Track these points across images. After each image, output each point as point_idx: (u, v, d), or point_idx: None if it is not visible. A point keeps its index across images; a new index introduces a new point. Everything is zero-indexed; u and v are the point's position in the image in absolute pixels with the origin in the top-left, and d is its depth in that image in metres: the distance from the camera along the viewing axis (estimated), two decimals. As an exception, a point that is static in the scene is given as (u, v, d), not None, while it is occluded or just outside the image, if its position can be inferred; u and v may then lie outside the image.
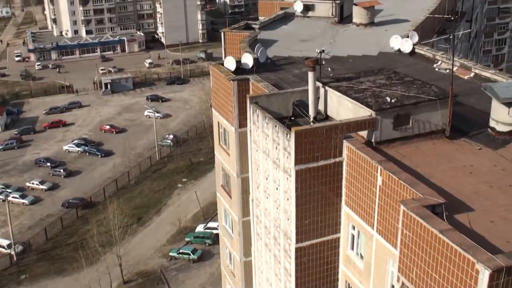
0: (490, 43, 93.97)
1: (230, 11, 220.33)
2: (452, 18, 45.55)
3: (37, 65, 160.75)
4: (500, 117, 20.79)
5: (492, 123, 21.20)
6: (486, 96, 21.65)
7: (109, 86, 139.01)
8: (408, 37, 32.97)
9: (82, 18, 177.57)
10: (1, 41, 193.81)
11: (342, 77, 23.86)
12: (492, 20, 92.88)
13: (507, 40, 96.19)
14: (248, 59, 29.09)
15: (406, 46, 32.62)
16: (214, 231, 73.59)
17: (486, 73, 27.87)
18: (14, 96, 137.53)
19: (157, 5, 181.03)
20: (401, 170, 17.70)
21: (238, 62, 29.05)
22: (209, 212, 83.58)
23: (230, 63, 29.11)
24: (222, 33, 37.49)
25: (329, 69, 29.03)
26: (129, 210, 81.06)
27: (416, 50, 32.71)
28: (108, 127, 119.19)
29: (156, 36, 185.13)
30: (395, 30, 36.59)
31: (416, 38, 33.05)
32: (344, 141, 20.06)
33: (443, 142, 20.99)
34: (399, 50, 32.89)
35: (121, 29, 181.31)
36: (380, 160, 18.27)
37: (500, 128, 20.86)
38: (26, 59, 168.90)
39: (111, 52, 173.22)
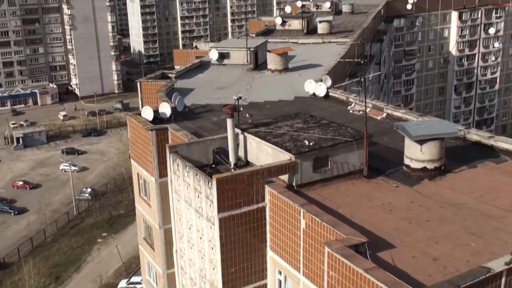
0: (399, 84, 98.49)
1: (145, 61, 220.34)
2: (362, 62, 47.42)
3: None
4: (413, 154, 21.57)
5: (406, 161, 21.94)
6: (399, 135, 22.45)
7: (21, 141, 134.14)
8: (321, 81, 33.93)
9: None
10: None
11: (260, 122, 24.08)
12: (399, 62, 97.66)
13: (414, 80, 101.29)
14: (165, 108, 28.90)
15: (320, 90, 33.53)
16: (138, 286, 71.28)
17: (398, 113, 29.02)
18: None
19: (70, 57, 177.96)
20: (323, 212, 17.86)
21: (156, 111, 28.79)
22: (132, 266, 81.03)
23: (147, 113, 28.80)
24: (138, 83, 37.19)
25: (247, 115, 29.30)
26: (46, 269, 77.45)
27: (330, 94, 33.68)
28: (21, 183, 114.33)
29: (70, 87, 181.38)
30: (309, 75, 37.62)
31: (329, 82, 34.06)
32: (266, 186, 20.09)
33: (362, 181, 21.47)
34: (314, 94, 33.74)
35: (32, 82, 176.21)
36: (302, 203, 18.37)
37: (414, 165, 21.62)
38: None
39: (23, 105, 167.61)
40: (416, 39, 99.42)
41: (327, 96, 33.62)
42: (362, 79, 40.03)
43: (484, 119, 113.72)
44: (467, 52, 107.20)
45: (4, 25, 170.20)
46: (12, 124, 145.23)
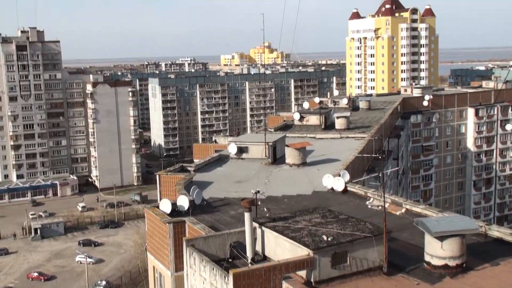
0: (417, 179, 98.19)
1: (165, 154, 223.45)
2: (380, 157, 47.63)
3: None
4: (434, 251, 21.14)
5: (427, 258, 21.47)
6: (419, 230, 22.12)
7: (38, 231, 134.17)
8: (339, 176, 34.00)
9: (14, 162, 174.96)
10: None
11: (278, 217, 23.96)
12: (417, 158, 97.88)
13: (432, 175, 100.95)
14: (183, 201, 28.99)
15: (338, 184, 33.53)
16: None
17: (417, 208, 28.74)
18: None
19: (92, 149, 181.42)
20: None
21: (174, 204, 28.87)
22: None
23: (165, 206, 28.87)
24: (157, 176, 37.59)
25: (265, 209, 29.22)
26: None
27: (348, 188, 33.63)
28: (36, 274, 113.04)
29: (90, 179, 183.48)
30: (327, 169, 37.78)
31: (347, 177, 34.11)
32: (283, 281, 19.69)
33: (381, 279, 20.95)
34: (332, 188, 33.72)
35: (53, 173, 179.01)
36: (320, 300, 17.91)
37: (435, 262, 21.14)
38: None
39: (43, 196, 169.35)
40: (434, 135, 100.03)
41: (345, 190, 33.57)
42: (380, 174, 39.97)
43: (505, 215, 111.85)
44: (485, 148, 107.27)
45: (30, 118, 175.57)
46: (31, 214, 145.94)
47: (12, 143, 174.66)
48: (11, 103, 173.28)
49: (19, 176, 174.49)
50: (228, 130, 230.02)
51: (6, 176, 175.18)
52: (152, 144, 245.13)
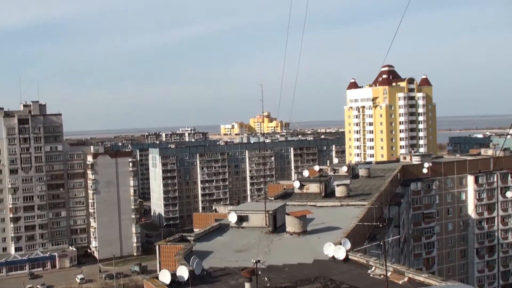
0: (419, 247, 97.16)
1: (165, 224, 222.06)
2: (381, 225, 47.44)
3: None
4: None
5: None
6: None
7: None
8: (341, 244, 33.80)
9: (12, 235, 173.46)
10: None
11: (279, 286, 23.73)
12: (418, 225, 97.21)
13: (435, 243, 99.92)
14: (183, 272, 28.73)
15: (339, 253, 33.28)
16: None
17: (420, 277, 28.42)
18: None
19: (91, 220, 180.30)
20: None
21: (173, 275, 28.60)
22: None
23: (165, 277, 28.60)
24: (157, 246, 37.37)
25: (266, 278, 28.92)
26: None
27: (349, 257, 33.36)
28: None
29: (89, 250, 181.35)
30: (328, 237, 37.60)
31: (348, 245, 33.90)
32: None
33: None
34: (333, 257, 33.44)
35: (52, 245, 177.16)
36: None
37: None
38: None
39: (41, 268, 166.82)
40: (434, 202, 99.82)
41: (346, 259, 33.28)
42: (381, 242, 39.76)
43: (510, 284, 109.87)
44: (486, 215, 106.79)
45: (30, 190, 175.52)
46: (29, 287, 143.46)
47: (11, 215, 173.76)
48: (12, 175, 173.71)
49: (17, 249, 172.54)
50: (228, 199, 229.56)
51: (4, 249, 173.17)
52: (152, 213, 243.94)
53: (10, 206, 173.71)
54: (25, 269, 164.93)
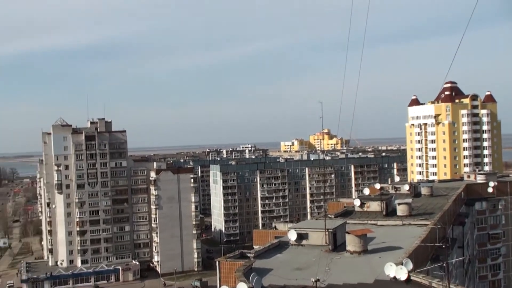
0: (485, 269, 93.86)
1: (225, 240, 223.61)
2: (444, 246, 46.36)
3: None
4: None
5: None
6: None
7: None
8: (402, 264, 33.35)
9: (79, 248, 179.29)
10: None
11: (339, 305, 23.73)
12: (483, 246, 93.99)
13: (501, 265, 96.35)
14: (243, 289, 29.09)
15: (401, 273, 32.84)
16: None
17: (483, 300, 27.69)
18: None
19: (154, 234, 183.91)
20: None
21: (234, 291, 29.01)
22: None
23: (225, 293, 29.05)
24: (217, 262, 37.94)
25: (326, 297, 28.89)
26: None
27: (411, 278, 32.85)
28: None
29: (151, 264, 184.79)
30: (389, 257, 37.15)
31: (410, 266, 33.41)
32: None
33: None
34: (394, 277, 33.03)
35: (116, 258, 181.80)
36: None
37: None
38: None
39: (105, 281, 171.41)
40: (500, 223, 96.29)
41: (408, 280, 32.77)
42: (445, 264, 38.92)
43: None
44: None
45: (96, 205, 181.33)
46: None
47: (78, 229, 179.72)
48: (79, 190, 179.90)
49: (83, 261, 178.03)
50: (288, 216, 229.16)
51: (71, 261, 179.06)
52: (212, 229, 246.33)
53: (77, 219, 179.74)
54: (91, 282, 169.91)
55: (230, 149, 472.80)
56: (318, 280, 26.61)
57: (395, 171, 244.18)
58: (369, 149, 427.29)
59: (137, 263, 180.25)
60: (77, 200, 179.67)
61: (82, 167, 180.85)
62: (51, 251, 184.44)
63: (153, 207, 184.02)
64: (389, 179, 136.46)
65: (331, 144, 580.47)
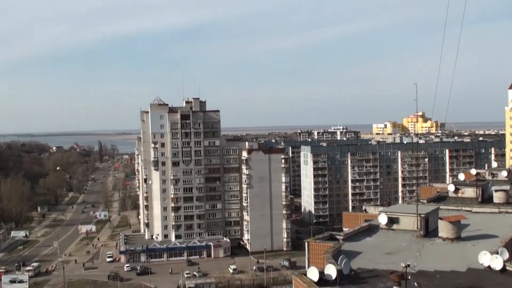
0: None
1: (315, 221, 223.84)
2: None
3: (126, 266, 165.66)
4: None
5: None
6: None
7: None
8: (497, 253, 32.21)
9: (173, 223, 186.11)
10: (94, 245, 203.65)
11: (429, 292, 23.35)
12: None
13: None
14: (331, 270, 29.19)
15: (496, 262, 31.72)
16: None
17: None
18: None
19: (244, 213, 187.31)
20: None
21: (321, 273, 29.16)
22: None
23: (313, 274, 29.26)
24: (306, 243, 38.21)
25: (416, 284, 28.47)
26: None
27: (507, 267, 31.67)
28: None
29: (241, 242, 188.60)
30: (483, 245, 35.97)
31: (506, 255, 32.21)
32: None
33: None
34: (489, 266, 31.96)
35: (208, 235, 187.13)
36: None
37: None
38: (117, 260, 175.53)
39: (197, 256, 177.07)
40: None
41: (504, 270, 31.61)
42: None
43: None
44: None
45: (190, 182, 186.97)
46: (186, 274, 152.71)
47: (172, 205, 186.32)
48: (174, 167, 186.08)
49: (177, 236, 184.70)
50: (378, 199, 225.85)
51: (166, 236, 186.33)
52: (302, 210, 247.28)
53: (172, 196, 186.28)
54: (184, 256, 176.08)
55: (321, 131, 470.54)
56: (408, 265, 26.24)
57: (492, 156, 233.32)
58: (465, 133, 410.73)
59: (228, 240, 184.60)
60: (172, 177, 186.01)
61: (177, 145, 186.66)
62: (147, 225, 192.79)
63: (244, 186, 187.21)
64: (486, 165, 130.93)
65: (426, 127, 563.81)
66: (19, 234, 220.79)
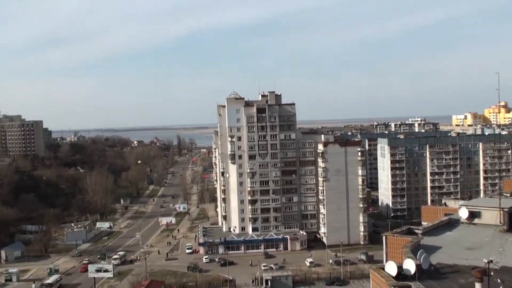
0: None
1: (392, 214, 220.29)
2: None
3: (205, 258, 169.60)
4: None
5: None
6: None
7: (269, 283, 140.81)
8: None
9: (250, 216, 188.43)
10: (174, 236, 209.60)
11: (512, 289, 22.89)
12: None
13: None
14: (410, 265, 29.04)
15: None
16: None
17: None
18: (181, 287, 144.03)
19: (320, 206, 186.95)
20: None
21: (400, 267, 29.08)
22: None
23: (391, 268, 29.22)
24: (384, 237, 38.09)
25: (499, 280, 27.85)
26: None
27: None
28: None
29: (318, 235, 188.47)
30: None
31: None
32: None
33: None
34: None
35: (285, 228, 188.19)
36: None
37: None
38: (196, 251, 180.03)
39: (274, 249, 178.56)
40: None
41: None
42: None
43: None
44: None
45: (266, 176, 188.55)
46: (263, 266, 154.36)
47: (249, 198, 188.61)
48: (250, 161, 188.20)
49: (254, 229, 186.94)
50: (459, 193, 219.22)
51: (243, 228, 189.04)
52: (379, 203, 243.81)
53: (249, 189, 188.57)
54: (260, 248, 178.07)
55: (399, 123, 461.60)
56: (491, 261, 25.68)
57: None
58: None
59: (304, 233, 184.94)
60: (248, 170, 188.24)
61: (254, 139, 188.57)
62: (225, 217, 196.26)
63: (320, 179, 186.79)
64: None
65: (508, 118, 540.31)
66: (104, 225, 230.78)
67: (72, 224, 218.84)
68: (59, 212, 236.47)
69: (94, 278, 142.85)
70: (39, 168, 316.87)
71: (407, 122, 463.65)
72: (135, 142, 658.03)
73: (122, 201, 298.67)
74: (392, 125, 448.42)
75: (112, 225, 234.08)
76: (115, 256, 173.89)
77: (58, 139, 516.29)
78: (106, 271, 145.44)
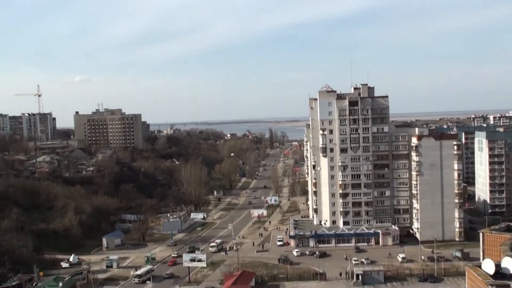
0: None
1: (490, 211, 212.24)
2: None
3: (296, 251, 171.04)
4: None
5: None
6: None
7: (360, 278, 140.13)
8: None
9: (341, 209, 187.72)
10: (265, 228, 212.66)
11: None
12: None
13: None
14: (509, 264, 28.73)
15: None
16: None
17: None
18: (272, 279, 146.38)
19: (414, 201, 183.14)
20: None
21: (498, 266, 28.84)
22: None
23: (488, 266, 29.04)
24: (481, 234, 37.51)
25: None
26: None
27: None
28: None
29: (410, 231, 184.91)
30: None
31: None
32: None
33: None
34: None
35: (376, 222, 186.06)
36: None
37: None
38: (287, 244, 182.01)
39: (365, 243, 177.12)
40: None
41: None
42: None
43: None
44: None
45: (357, 169, 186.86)
46: (354, 260, 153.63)
47: (340, 191, 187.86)
48: (342, 154, 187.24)
49: (345, 223, 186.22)
50: None
51: (334, 222, 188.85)
52: (476, 199, 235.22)
53: (340, 182, 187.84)
54: (351, 243, 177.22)
55: (498, 115, 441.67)
56: None
57: None
58: None
59: (397, 228, 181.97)
60: (340, 164, 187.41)
61: (345, 132, 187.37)
62: (315, 211, 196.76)
63: (413, 173, 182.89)
64: None
65: None
66: (198, 216, 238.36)
67: (168, 214, 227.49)
68: (156, 202, 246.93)
69: (189, 267, 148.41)
70: (138, 159, 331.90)
71: (507, 114, 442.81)
72: (228, 135, 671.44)
73: (215, 192, 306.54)
74: (491, 117, 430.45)
75: (205, 216, 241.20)
76: (212, 244, 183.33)
77: (156, 132, 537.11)
78: (199, 260, 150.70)
